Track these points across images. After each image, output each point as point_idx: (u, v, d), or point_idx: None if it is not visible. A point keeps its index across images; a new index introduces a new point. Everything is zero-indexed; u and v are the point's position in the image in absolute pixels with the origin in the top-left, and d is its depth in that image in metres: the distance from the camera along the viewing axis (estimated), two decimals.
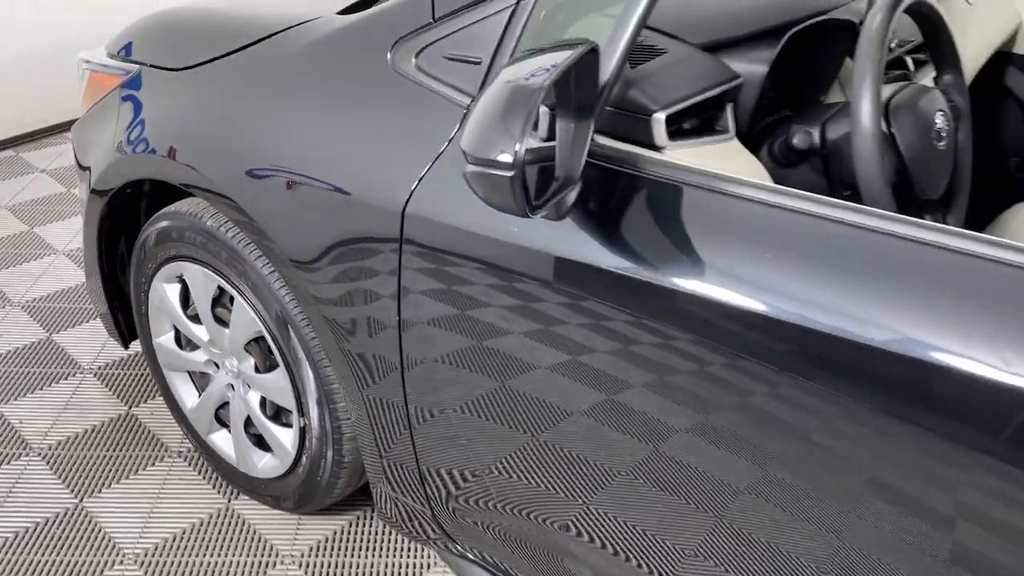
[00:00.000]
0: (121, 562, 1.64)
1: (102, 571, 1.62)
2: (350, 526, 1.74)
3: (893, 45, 1.47)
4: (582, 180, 0.97)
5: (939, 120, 1.21)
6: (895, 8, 1.12)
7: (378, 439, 1.39)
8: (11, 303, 2.43)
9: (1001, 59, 2.03)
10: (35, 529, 1.70)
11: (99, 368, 2.16)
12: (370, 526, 1.74)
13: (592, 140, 0.99)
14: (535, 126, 0.96)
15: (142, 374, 2.13)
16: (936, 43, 1.33)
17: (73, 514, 1.74)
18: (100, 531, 1.70)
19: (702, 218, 0.96)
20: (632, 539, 1.10)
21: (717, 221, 0.95)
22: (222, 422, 1.78)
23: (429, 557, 1.67)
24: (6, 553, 1.65)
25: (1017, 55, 2.03)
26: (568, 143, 0.93)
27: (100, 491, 1.80)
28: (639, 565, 1.11)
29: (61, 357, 2.20)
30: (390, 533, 1.72)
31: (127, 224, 1.81)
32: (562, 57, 0.86)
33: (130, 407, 2.04)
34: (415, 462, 1.36)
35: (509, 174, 0.81)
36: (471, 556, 1.43)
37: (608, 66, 0.96)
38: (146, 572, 1.62)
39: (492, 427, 1.19)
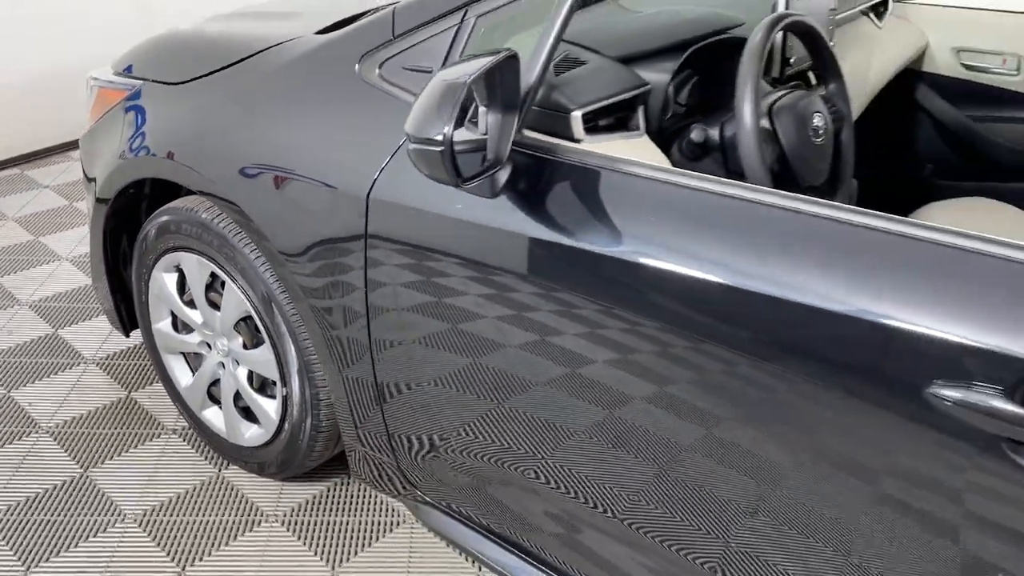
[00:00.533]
0: (122, 521, 1.84)
1: (105, 528, 1.82)
2: (328, 490, 1.94)
3: (792, 60, 1.71)
4: (510, 162, 1.20)
5: (816, 120, 1.44)
6: (772, 28, 1.36)
7: (343, 403, 1.60)
8: (19, 303, 2.63)
9: (911, 76, 2.28)
10: (44, 494, 1.90)
11: (101, 358, 2.36)
12: (346, 490, 1.94)
13: (520, 132, 1.22)
14: (476, 122, 1.18)
15: (141, 364, 2.33)
16: (819, 58, 1.57)
17: (78, 482, 1.94)
18: (103, 495, 1.90)
19: (609, 194, 1.18)
20: (580, 484, 1.29)
21: (621, 196, 1.17)
22: (213, 399, 1.99)
23: (399, 515, 1.87)
24: (18, 514, 1.84)
25: (925, 73, 2.28)
26: (496, 131, 1.16)
27: (103, 462, 2.00)
28: (593, 505, 1.30)
29: (66, 349, 2.40)
30: (365, 493, 1.92)
31: (129, 225, 2.03)
32: (485, 61, 1.09)
33: (130, 392, 2.24)
34: (383, 425, 1.57)
35: (439, 149, 1.03)
36: (436, 505, 1.63)
37: (532, 72, 1.19)
38: (145, 529, 1.82)
39: (449, 387, 1.40)
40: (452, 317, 1.33)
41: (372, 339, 1.48)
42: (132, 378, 2.29)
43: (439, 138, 1.03)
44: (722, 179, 1.08)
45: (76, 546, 1.77)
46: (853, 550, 1.03)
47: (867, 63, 2.03)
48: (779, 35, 1.60)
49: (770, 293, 1.00)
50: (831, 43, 1.77)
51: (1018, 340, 0.86)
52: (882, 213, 0.97)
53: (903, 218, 0.97)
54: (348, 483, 1.96)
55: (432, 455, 1.52)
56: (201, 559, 1.76)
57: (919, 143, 2.34)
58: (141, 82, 1.91)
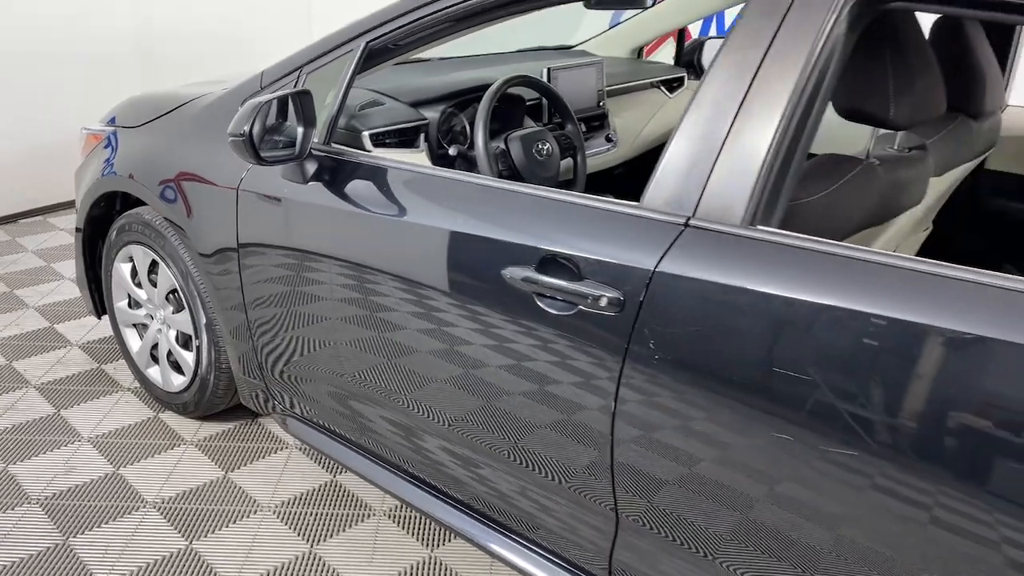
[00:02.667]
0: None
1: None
2: (235, 428, 2.59)
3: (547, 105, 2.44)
4: (314, 160, 1.89)
5: (542, 146, 2.14)
6: (503, 85, 2.08)
7: (232, 347, 2.27)
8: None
9: None
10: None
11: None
12: (245, 429, 2.59)
13: (329, 144, 1.92)
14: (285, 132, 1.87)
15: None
16: (555, 106, 2.27)
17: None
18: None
19: (381, 179, 1.85)
20: (403, 395, 1.90)
21: (388, 180, 1.84)
22: (154, 359, 2.67)
23: (282, 443, 2.51)
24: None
25: None
26: (300, 138, 1.85)
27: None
28: (416, 410, 1.90)
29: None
30: (259, 428, 2.56)
31: (102, 234, 2.75)
32: (280, 93, 1.80)
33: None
34: (255, 357, 2.23)
35: (242, 140, 1.73)
36: (295, 416, 2.27)
37: (333, 106, 1.90)
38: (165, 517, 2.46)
39: (296, 324, 2.06)
40: (291, 268, 2.00)
41: (244, 293, 2.15)
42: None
43: (242, 133, 1.74)
44: (445, 169, 1.76)
45: None
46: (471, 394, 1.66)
47: (643, 121, 2.74)
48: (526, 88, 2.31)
49: (464, 230, 1.66)
50: (601, 104, 2.49)
51: (532, 238, 1.51)
52: (498, 180, 1.65)
53: (502, 181, 1.64)
54: (250, 425, 2.60)
55: (288, 377, 2.17)
56: None
57: None
58: (115, 128, 2.66)
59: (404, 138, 2.11)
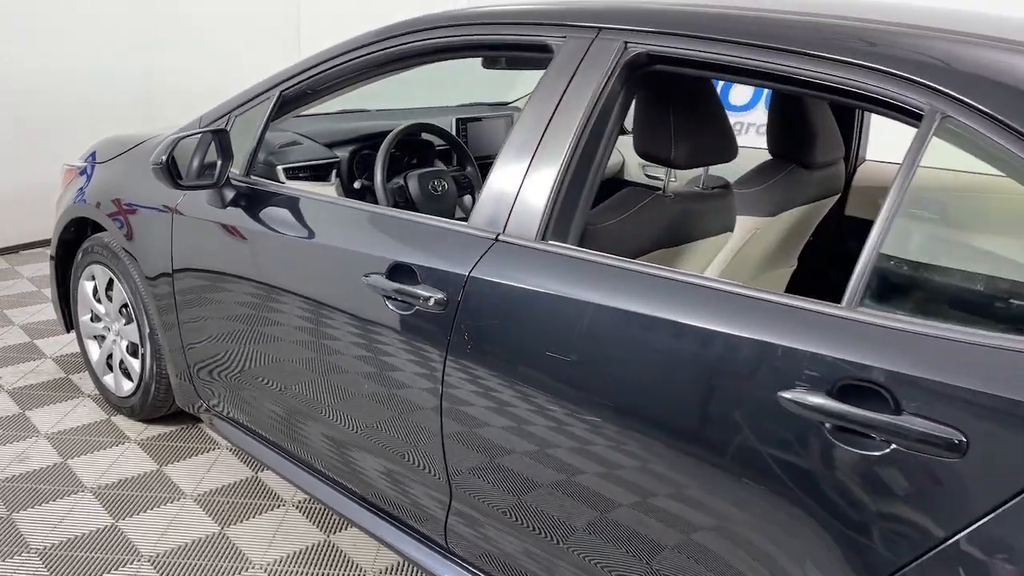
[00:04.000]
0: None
1: None
2: (176, 431, 2.90)
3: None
4: (231, 188, 2.23)
5: (437, 183, 2.47)
6: (402, 131, 2.42)
7: (167, 351, 2.59)
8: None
9: (614, 183, 3.29)
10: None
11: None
12: (185, 432, 2.89)
13: (248, 176, 2.26)
14: (220, 168, 2.22)
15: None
16: (455, 150, 2.61)
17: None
18: None
19: (290, 205, 2.17)
20: (316, 399, 2.21)
21: (297, 206, 2.17)
22: (110, 367, 2.99)
23: (215, 444, 2.81)
24: None
25: (623, 180, 3.30)
26: (219, 168, 2.19)
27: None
28: (325, 413, 2.23)
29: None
30: (198, 432, 2.86)
31: (73, 256, 3.11)
32: (197, 131, 2.15)
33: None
34: (186, 362, 2.54)
35: (159, 166, 2.08)
36: (221, 416, 2.57)
37: (252, 144, 2.25)
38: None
39: (215, 333, 2.38)
40: (211, 284, 2.32)
41: (177, 304, 2.48)
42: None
43: (160, 162, 2.08)
44: (343, 199, 2.10)
45: None
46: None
47: None
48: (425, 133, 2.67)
49: (338, 246, 1.99)
50: None
51: (386, 251, 1.83)
52: (387, 208, 1.98)
53: (393, 209, 1.97)
54: (188, 427, 2.90)
55: (213, 380, 2.48)
56: None
57: None
58: (89, 163, 3.03)
59: (318, 173, 2.45)
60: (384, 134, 2.59)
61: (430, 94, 3.39)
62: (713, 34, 1.54)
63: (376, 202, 2.48)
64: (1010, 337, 1.15)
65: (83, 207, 2.89)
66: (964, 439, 1.13)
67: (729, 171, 2.12)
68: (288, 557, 2.30)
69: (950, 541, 1.15)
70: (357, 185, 2.48)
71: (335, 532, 2.40)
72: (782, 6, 1.58)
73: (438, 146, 2.72)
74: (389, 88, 2.67)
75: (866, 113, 2.67)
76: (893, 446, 1.19)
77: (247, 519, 2.45)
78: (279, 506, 2.52)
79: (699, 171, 2.07)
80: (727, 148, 1.89)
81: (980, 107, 1.23)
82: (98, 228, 2.96)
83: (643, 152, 1.85)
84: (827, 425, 1.24)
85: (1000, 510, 1.11)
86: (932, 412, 1.16)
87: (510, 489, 1.70)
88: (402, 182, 2.42)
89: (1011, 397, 1.11)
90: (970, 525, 1.13)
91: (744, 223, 2.26)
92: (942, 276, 1.35)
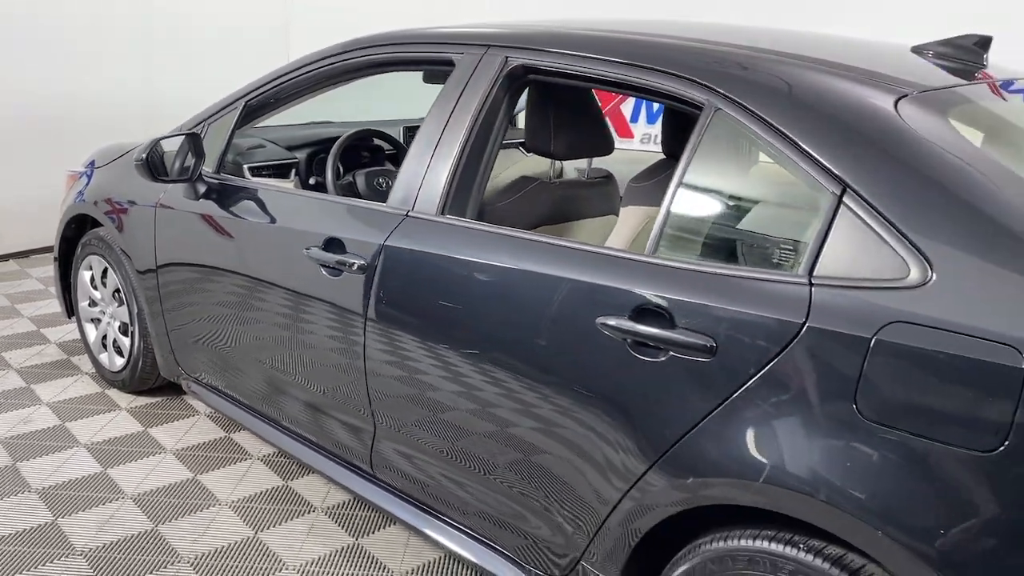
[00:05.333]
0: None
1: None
2: (161, 400, 3.31)
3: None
4: (203, 183, 2.65)
5: (382, 180, 2.88)
6: (350, 137, 2.84)
7: (151, 326, 3.01)
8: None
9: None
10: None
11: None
12: (169, 401, 3.30)
13: (220, 173, 2.68)
14: (193, 168, 2.65)
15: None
16: (400, 153, 3.03)
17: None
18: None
19: (253, 196, 2.59)
20: (278, 362, 2.63)
21: (258, 198, 2.59)
22: (105, 347, 3.41)
23: (195, 411, 3.21)
24: None
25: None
26: (192, 166, 2.62)
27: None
28: (287, 374, 2.64)
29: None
30: (180, 401, 3.27)
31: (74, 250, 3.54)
32: (178, 135, 2.58)
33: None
34: (167, 336, 2.96)
35: (140, 163, 2.50)
36: (199, 382, 2.97)
37: (221, 146, 2.67)
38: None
39: (191, 307, 2.79)
40: (189, 263, 2.74)
41: (159, 284, 2.90)
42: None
43: (140, 159, 2.51)
44: (293, 189, 2.52)
45: None
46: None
47: (500, 170, 3.47)
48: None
49: (286, 226, 2.40)
50: None
51: (323, 228, 2.25)
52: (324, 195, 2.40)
53: (333, 196, 2.39)
54: (172, 396, 3.31)
55: (191, 349, 2.89)
56: None
57: None
58: (89, 168, 3.47)
59: (279, 171, 2.87)
60: (337, 140, 3.02)
61: (389, 108, 3.82)
62: (568, 50, 1.96)
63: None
64: (744, 269, 1.55)
65: (82, 206, 3.32)
66: (714, 344, 1.53)
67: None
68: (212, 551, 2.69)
69: (708, 417, 1.54)
70: (312, 181, 2.90)
71: (364, 536, 2.51)
72: (619, 27, 2.01)
73: (387, 150, 3.14)
74: (356, 104, 3.12)
75: None
76: (671, 353, 1.59)
77: (217, 468, 2.85)
78: (245, 459, 2.92)
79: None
80: (603, 144, 2.30)
81: (741, 102, 1.64)
82: (96, 224, 3.39)
83: (530, 146, 2.26)
84: (628, 341, 1.64)
85: (740, 391, 1.50)
86: (693, 325, 1.56)
87: (419, 419, 2.10)
88: (351, 179, 2.84)
89: (743, 310, 1.50)
90: (720, 404, 1.52)
91: (639, 212, 2.66)
92: (709, 231, 1.75)
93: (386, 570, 2.36)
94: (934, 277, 1.35)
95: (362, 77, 2.55)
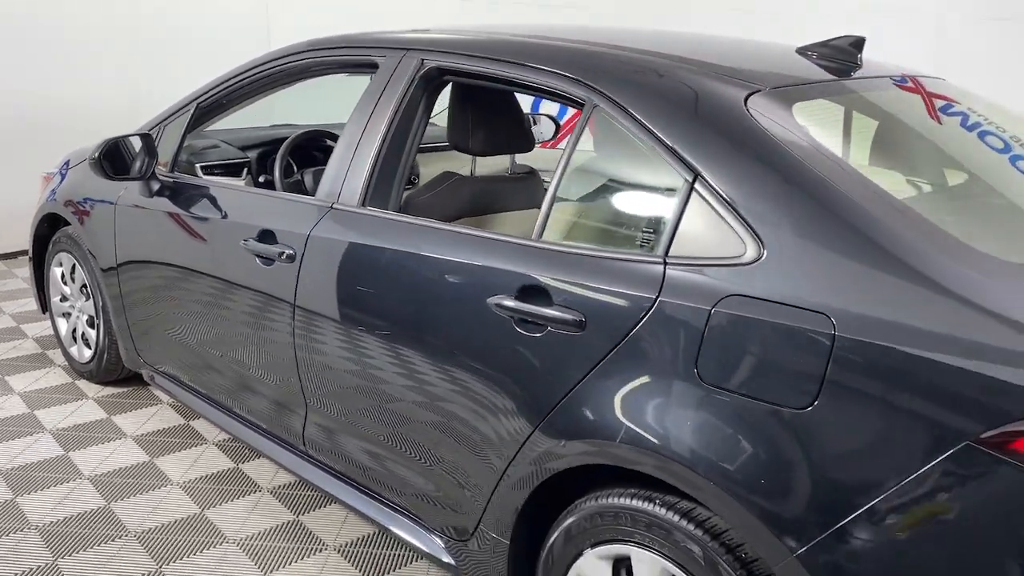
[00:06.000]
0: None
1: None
2: (127, 391, 3.46)
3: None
4: (156, 180, 2.82)
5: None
6: (296, 138, 3.00)
7: (113, 319, 3.17)
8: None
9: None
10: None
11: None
12: (135, 392, 3.46)
13: (173, 172, 2.84)
14: (147, 166, 2.81)
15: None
16: None
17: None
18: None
19: (204, 193, 2.74)
20: (233, 351, 2.80)
21: (210, 195, 2.75)
22: (75, 339, 3.57)
23: (158, 400, 3.37)
24: None
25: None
26: (144, 165, 2.78)
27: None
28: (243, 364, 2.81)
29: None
30: (146, 392, 3.43)
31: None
32: (132, 135, 2.74)
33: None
34: (127, 328, 3.12)
35: (93, 161, 2.67)
36: (158, 371, 3.13)
37: (175, 146, 2.83)
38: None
39: (149, 301, 2.95)
40: (147, 260, 2.89)
41: (120, 281, 3.06)
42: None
43: (94, 157, 2.67)
44: (236, 186, 2.67)
45: None
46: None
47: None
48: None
49: (230, 220, 2.56)
50: None
51: (257, 221, 2.40)
52: (264, 191, 2.55)
53: (264, 191, 2.54)
54: (137, 388, 3.47)
55: (149, 341, 3.04)
56: None
57: None
58: (61, 169, 3.64)
59: (231, 170, 3.03)
60: (274, 140, 3.19)
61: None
62: (474, 52, 2.11)
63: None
64: (612, 251, 1.70)
65: (53, 205, 3.49)
66: (584, 318, 1.67)
67: None
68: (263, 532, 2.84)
69: (578, 385, 1.68)
70: (262, 179, 3.06)
71: (304, 513, 2.65)
72: (520, 32, 2.16)
73: None
74: (327, 106, 3.28)
75: None
76: (548, 328, 1.73)
77: (172, 452, 3.00)
78: (200, 443, 3.07)
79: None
80: (522, 142, 2.46)
81: (614, 98, 1.78)
82: (67, 223, 3.56)
83: (451, 142, 2.41)
84: (514, 318, 1.78)
85: (604, 361, 1.64)
86: (566, 302, 1.70)
87: (341, 398, 2.24)
88: (300, 176, 3.00)
89: (608, 288, 1.64)
90: (588, 373, 1.66)
91: None
92: (585, 217, 1.89)
93: (321, 543, 2.51)
94: (765, 255, 1.49)
95: (299, 81, 2.71)
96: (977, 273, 1.38)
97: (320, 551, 2.46)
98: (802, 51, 2.10)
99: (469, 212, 2.42)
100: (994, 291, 1.34)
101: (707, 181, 1.60)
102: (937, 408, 1.29)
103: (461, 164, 3.12)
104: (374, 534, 2.55)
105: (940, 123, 2.07)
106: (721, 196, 1.57)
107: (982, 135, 2.02)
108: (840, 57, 2.05)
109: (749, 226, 1.53)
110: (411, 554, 2.45)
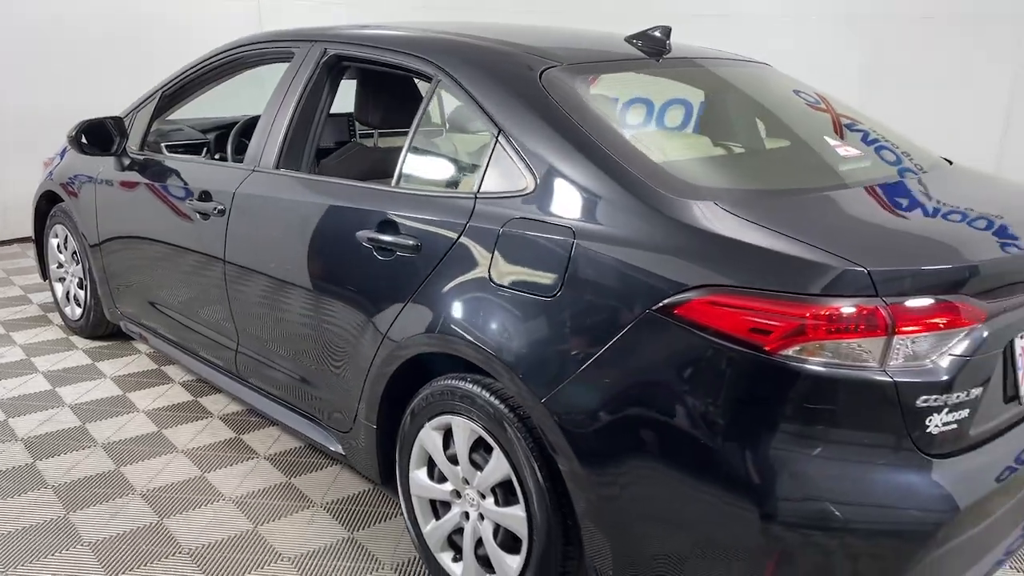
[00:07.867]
0: None
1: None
2: (112, 345, 4.01)
3: None
4: (127, 157, 3.35)
5: None
6: (244, 123, 3.51)
7: (97, 279, 3.71)
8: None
9: None
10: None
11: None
12: (118, 345, 4.00)
13: (143, 151, 3.37)
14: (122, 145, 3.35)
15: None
16: None
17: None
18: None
19: (172, 166, 3.27)
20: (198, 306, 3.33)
21: (167, 167, 3.27)
22: (68, 300, 4.12)
23: (137, 351, 3.91)
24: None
25: None
26: (116, 143, 3.32)
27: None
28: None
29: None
30: (129, 346, 3.97)
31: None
32: (105, 118, 3.28)
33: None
34: (107, 285, 3.65)
35: (71, 138, 3.21)
36: (135, 322, 3.66)
37: (144, 128, 3.37)
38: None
39: (123, 259, 3.48)
40: (120, 225, 3.43)
41: (101, 245, 3.60)
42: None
43: (71, 135, 3.21)
44: (188, 159, 3.21)
45: None
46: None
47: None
48: None
49: (190, 186, 3.09)
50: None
51: (202, 185, 2.93)
52: (222, 163, 3.09)
53: (230, 164, 3.07)
54: (133, 351, 4.02)
55: (123, 295, 3.58)
56: None
57: None
58: (60, 153, 4.20)
59: (192, 149, 3.56)
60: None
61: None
62: (362, 42, 2.61)
63: None
64: (444, 191, 2.19)
65: (50, 183, 4.05)
66: (420, 243, 2.16)
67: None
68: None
69: (414, 294, 2.16)
70: (217, 157, 3.58)
71: (296, 476, 2.80)
72: (396, 25, 2.66)
73: None
74: None
75: None
76: (397, 254, 2.22)
77: (143, 388, 3.53)
78: (166, 383, 3.60)
79: None
80: (404, 118, 2.97)
81: (451, 73, 2.28)
82: (61, 200, 4.12)
83: (357, 118, 2.92)
84: (373, 247, 2.28)
85: (430, 274, 2.13)
86: (408, 231, 2.19)
87: (257, 325, 2.75)
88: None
89: (435, 218, 2.14)
90: (420, 284, 2.15)
91: None
92: (428, 166, 2.40)
93: (309, 501, 2.72)
94: (536, 187, 1.97)
95: (241, 72, 3.24)
96: (673, 194, 1.85)
97: (308, 507, 2.67)
98: (630, 39, 2.57)
99: (369, 175, 2.92)
100: (683, 210, 1.81)
101: (508, 135, 2.08)
102: (629, 290, 1.76)
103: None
104: (359, 493, 2.75)
105: (717, 90, 2.57)
106: (515, 146, 2.06)
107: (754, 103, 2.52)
108: (653, 43, 2.52)
109: (530, 167, 2.01)
110: (393, 511, 2.64)
